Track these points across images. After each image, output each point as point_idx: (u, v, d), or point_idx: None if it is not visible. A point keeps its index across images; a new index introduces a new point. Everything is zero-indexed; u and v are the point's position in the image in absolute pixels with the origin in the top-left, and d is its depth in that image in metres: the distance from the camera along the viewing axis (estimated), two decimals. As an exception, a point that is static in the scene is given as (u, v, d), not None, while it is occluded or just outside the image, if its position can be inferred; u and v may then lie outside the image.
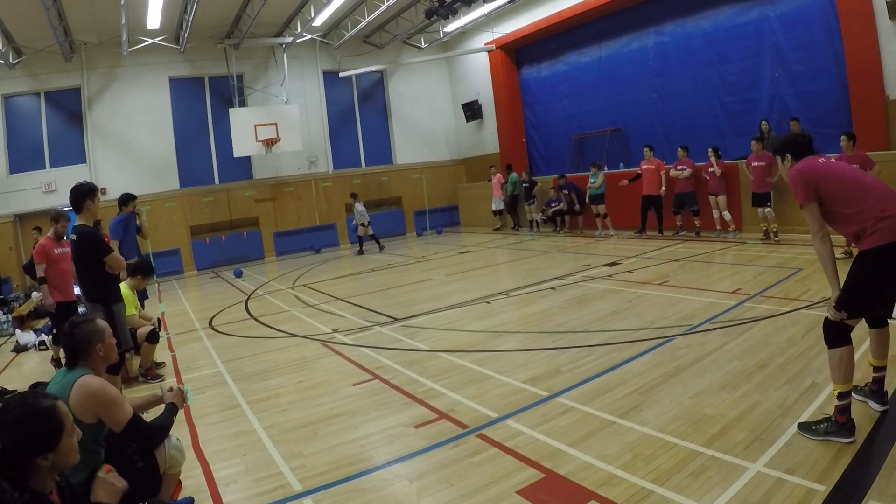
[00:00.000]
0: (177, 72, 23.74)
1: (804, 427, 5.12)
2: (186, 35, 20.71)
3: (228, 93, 24.35)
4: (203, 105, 24.72)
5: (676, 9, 20.23)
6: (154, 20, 19.95)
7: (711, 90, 19.48)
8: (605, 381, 6.86)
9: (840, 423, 4.91)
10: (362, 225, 23.18)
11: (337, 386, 7.74)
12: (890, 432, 5.03)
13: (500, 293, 12.55)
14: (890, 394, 5.55)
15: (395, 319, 11.18)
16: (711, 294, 10.55)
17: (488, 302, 11.88)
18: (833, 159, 5.34)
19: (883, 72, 14.97)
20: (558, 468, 4.97)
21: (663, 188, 18.19)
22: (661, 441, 5.27)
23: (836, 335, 5.00)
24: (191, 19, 18.95)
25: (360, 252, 23.20)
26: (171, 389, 4.68)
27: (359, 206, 23.19)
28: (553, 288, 12.50)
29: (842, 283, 4.96)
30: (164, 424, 4.39)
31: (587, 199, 20.59)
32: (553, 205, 22.35)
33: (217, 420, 7.02)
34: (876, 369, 5.42)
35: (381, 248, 23.45)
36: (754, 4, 18.07)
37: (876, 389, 5.42)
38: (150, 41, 21.94)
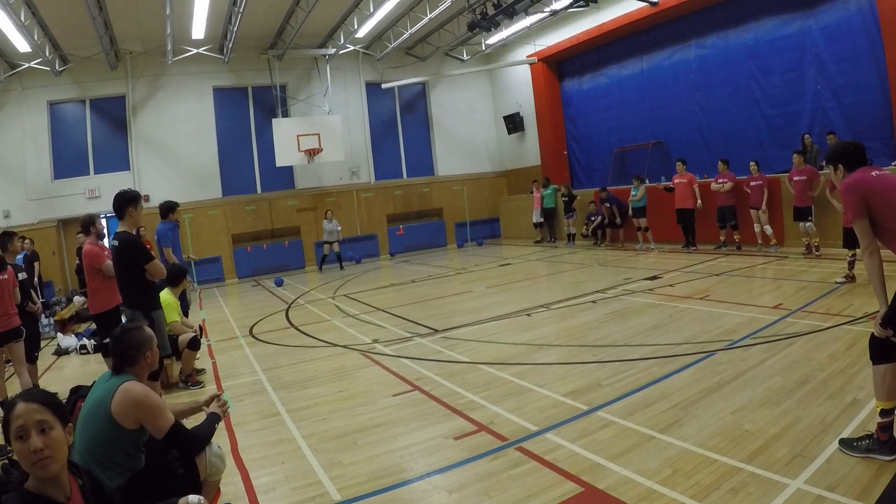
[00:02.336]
0: (220, 81, 24.11)
1: (845, 443, 5.07)
2: (230, 45, 21.06)
3: (271, 103, 24.64)
4: (246, 114, 25.03)
5: (718, 21, 20.18)
6: (199, 30, 20.29)
7: (753, 103, 19.36)
8: (646, 395, 6.83)
9: (882, 441, 4.83)
10: (328, 243, 23.43)
11: (377, 396, 7.75)
12: None
13: (541, 306, 12.51)
14: (868, 408, 5.59)
15: (436, 331, 11.18)
16: (752, 309, 10.45)
17: (529, 314, 11.85)
18: (887, 171, 5.22)
19: None
20: (598, 482, 4.94)
21: (699, 202, 18.12)
22: (701, 457, 5.23)
23: (882, 352, 4.89)
24: (235, 30, 19.26)
25: (324, 268, 23.80)
26: (214, 400, 4.70)
27: (330, 226, 23.37)
28: (594, 301, 12.46)
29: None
30: (206, 433, 4.42)
31: (629, 212, 20.53)
32: (593, 218, 22.36)
33: (257, 428, 7.07)
34: None
35: (342, 268, 23.71)
36: (796, 17, 17.97)
37: (886, 439, 5.17)
38: (195, 51, 22.36)
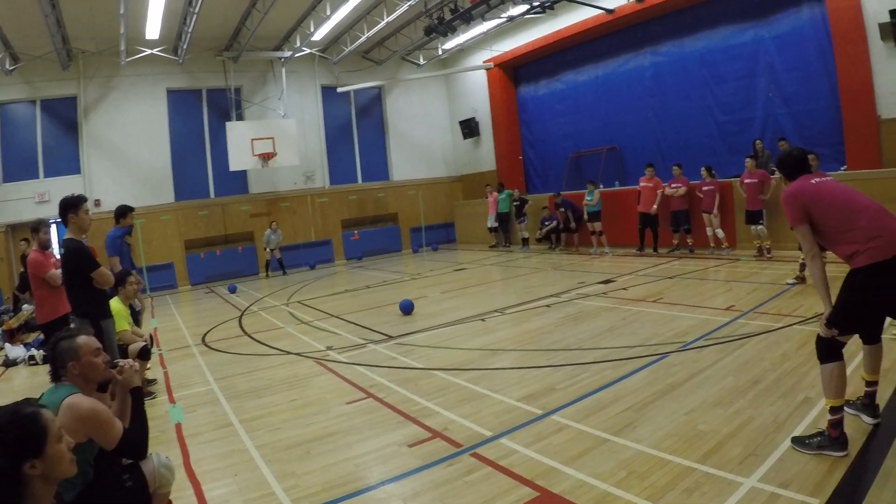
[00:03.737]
0: (174, 83, 23.72)
1: (797, 441, 5.16)
2: (185, 46, 20.74)
3: (226, 106, 24.34)
4: (200, 117, 24.67)
5: (672, 30, 20.51)
6: (153, 30, 19.89)
7: (706, 110, 19.70)
8: (600, 398, 6.83)
9: (833, 437, 4.96)
10: (272, 249, 23.50)
11: (330, 404, 7.67)
12: (882, 445, 5.06)
13: (495, 311, 12.51)
14: (882, 407, 5.60)
15: (390, 337, 11.10)
16: (705, 311, 10.55)
17: (483, 319, 11.82)
18: (829, 177, 5.36)
19: (875, 92, 15.18)
20: (553, 487, 4.94)
21: (655, 206, 18.31)
22: (655, 458, 5.25)
23: (828, 351, 5.07)
24: (190, 31, 19.01)
25: (269, 274, 23.92)
26: (120, 371, 4.44)
27: (274, 236, 23.43)
28: (548, 306, 12.48)
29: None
30: (141, 421, 4.29)
31: (584, 217, 20.65)
32: (547, 223, 22.48)
33: (209, 439, 6.93)
34: (868, 384, 5.50)
35: (285, 273, 23.88)
36: (749, 26, 18.37)
37: (868, 403, 5.50)
38: (149, 51, 21.93)
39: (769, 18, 17.88)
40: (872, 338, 5.41)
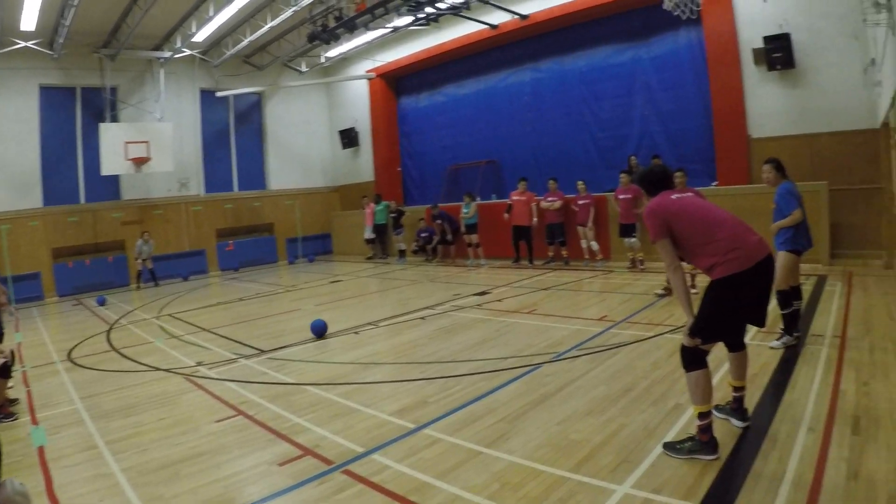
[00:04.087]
0: (48, 79, 22.44)
1: (669, 447, 5.26)
2: (62, 41, 19.82)
3: (101, 106, 23.22)
4: (73, 117, 23.37)
5: (554, 48, 20.98)
6: (29, 21, 18.77)
7: (584, 126, 20.21)
8: (472, 410, 6.79)
9: (703, 442, 5.11)
10: (143, 260, 22.75)
11: (200, 423, 7.36)
12: (752, 448, 5.21)
13: (370, 323, 12.35)
14: (751, 410, 5.80)
15: (262, 351, 10.79)
16: (578, 321, 10.67)
17: (357, 332, 11.63)
18: (689, 194, 5.66)
19: (746, 113, 15.99)
20: (425, 502, 4.86)
21: (535, 219, 18.52)
22: (528, 469, 5.23)
23: (693, 359, 5.23)
24: (68, 24, 18.23)
25: (141, 285, 22.97)
26: None
27: (146, 247, 22.69)
28: (423, 318, 12.42)
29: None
30: None
31: (461, 229, 20.74)
32: (423, 235, 22.47)
33: (74, 462, 6.50)
34: (735, 389, 5.72)
35: (157, 284, 23.10)
36: (629, 47, 19.05)
37: (736, 408, 5.72)
38: (23, 44, 20.73)
39: (649, 40, 18.55)
40: (736, 345, 5.65)
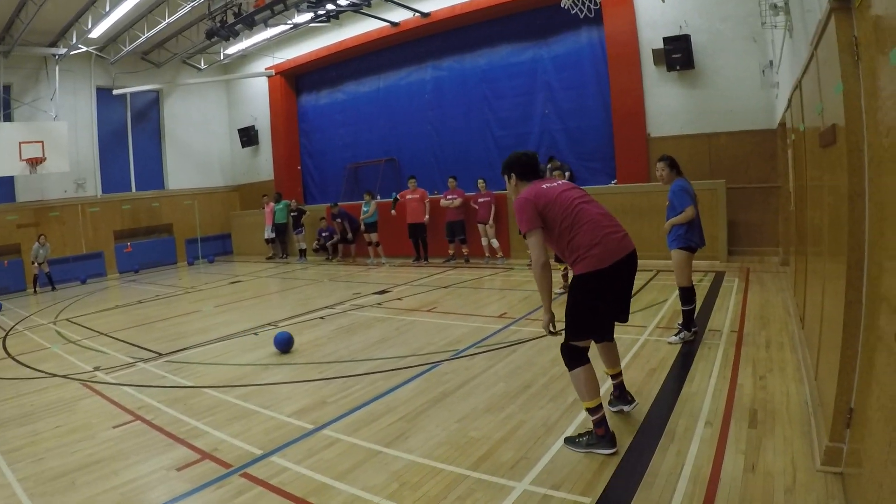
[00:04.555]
0: (-62, 77, 21.56)
1: (569, 441, 5.32)
2: (-48, 37, 19.03)
3: None
4: None
5: (455, 46, 21.05)
6: None
7: (484, 124, 20.33)
8: (372, 410, 6.73)
9: (600, 436, 5.15)
10: (40, 264, 21.95)
11: (96, 429, 7.08)
12: (650, 443, 5.25)
13: (269, 324, 12.18)
14: (649, 405, 5.96)
15: (160, 354, 10.51)
16: (478, 319, 10.69)
17: (256, 333, 11.45)
18: (559, 182, 5.58)
19: (646, 112, 16.27)
20: (325, 503, 4.79)
21: (426, 216, 18.65)
22: (427, 467, 5.20)
23: (574, 357, 5.29)
24: (-42, 19, 17.49)
25: (38, 290, 22.00)
26: None
27: (42, 251, 21.86)
28: (322, 318, 12.31)
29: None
30: None
31: (361, 228, 20.62)
32: (324, 234, 22.27)
33: None
34: (612, 377, 5.93)
35: (54, 288, 22.29)
36: (530, 45, 19.21)
37: (619, 394, 5.93)
38: None
39: (549, 40, 18.74)
40: (604, 339, 5.76)
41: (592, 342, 5.53)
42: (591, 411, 5.18)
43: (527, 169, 5.57)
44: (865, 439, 3.52)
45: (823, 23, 4.53)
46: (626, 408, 5.83)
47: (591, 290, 5.16)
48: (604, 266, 5.06)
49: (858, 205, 3.76)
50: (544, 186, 5.40)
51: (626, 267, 5.24)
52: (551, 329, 5.34)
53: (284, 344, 9.79)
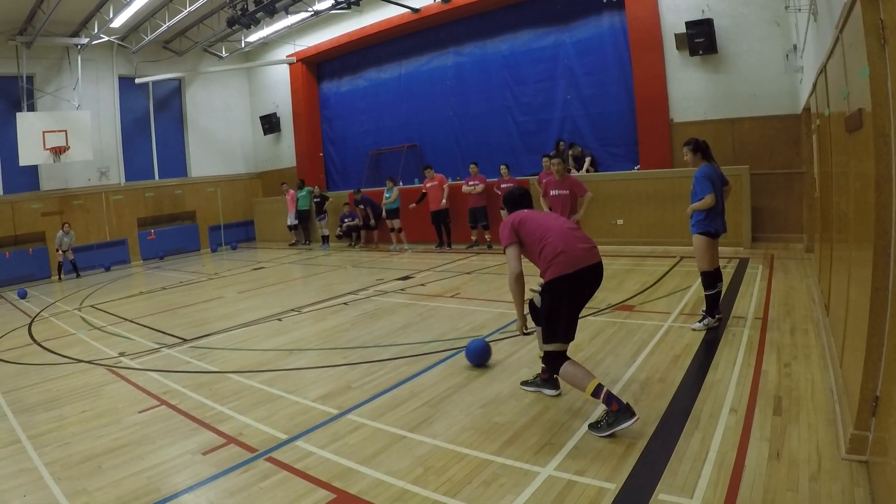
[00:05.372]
0: (-38, 69, 21.71)
1: (592, 427, 5.37)
2: (-25, 29, 19.13)
3: (17, 95, 22.34)
4: None
5: (476, 31, 20.95)
6: None
7: (506, 109, 20.23)
8: (396, 395, 6.75)
9: (616, 411, 5.22)
10: (64, 251, 22.12)
11: (122, 414, 7.15)
12: (675, 429, 5.24)
13: (293, 310, 12.23)
14: (674, 391, 5.97)
15: (185, 340, 10.60)
16: (501, 304, 10.67)
17: (280, 319, 11.52)
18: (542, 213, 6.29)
19: (669, 97, 16.10)
20: (349, 487, 4.80)
21: (444, 201, 18.76)
22: (452, 452, 5.21)
23: (556, 360, 5.67)
24: (-19, 12, 17.58)
25: (62, 277, 22.27)
26: None
27: (67, 239, 22.00)
28: (346, 303, 12.32)
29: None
30: None
31: (383, 214, 20.65)
32: (347, 220, 22.32)
33: None
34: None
35: (79, 275, 22.47)
36: (551, 31, 19.05)
37: (546, 378, 6.38)
38: None
39: (570, 24, 18.60)
40: (570, 340, 5.90)
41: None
42: (595, 394, 5.32)
43: (513, 205, 6.36)
44: (891, 427, 3.50)
45: (849, 6, 4.49)
46: (550, 392, 6.30)
47: (557, 293, 5.60)
48: (565, 273, 5.50)
49: (885, 190, 3.72)
50: (524, 212, 6.10)
51: (588, 276, 5.62)
52: (524, 331, 6.07)
53: (479, 356, 7.54)
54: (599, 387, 5.30)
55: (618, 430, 5.15)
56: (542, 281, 5.76)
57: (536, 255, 5.77)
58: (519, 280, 5.82)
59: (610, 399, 5.22)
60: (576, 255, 5.54)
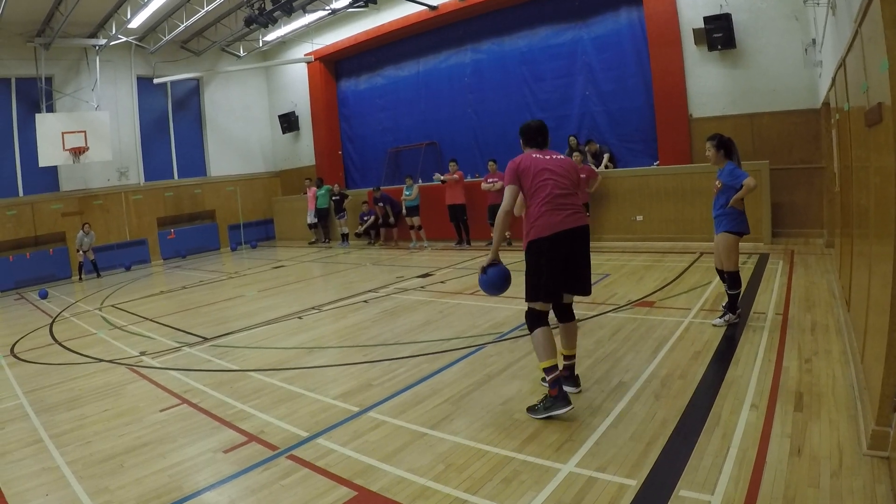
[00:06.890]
0: (-19, 71, 21.87)
1: (530, 410, 5.70)
2: (-6, 31, 19.26)
3: (36, 96, 22.47)
4: (8, 109, 22.48)
5: (494, 28, 20.90)
6: None
7: (524, 106, 20.12)
8: (417, 392, 6.77)
9: (553, 397, 5.54)
10: (85, 251, 22.21)
11: (143, 413, 7.20)
12: (696, 425, 5.22)
13: (313, 308, 12.27)
14: (694, 387, 5.95)
15: (205, 339, 10.65)
16: (521, 301, 10.49)
17: (300, 317, 11.56)
18: (556, 157, 6.15)
19: (687, 92, 16.03)
20: (371, 485, 4.81)
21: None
22: (473, 449, 5.22)
23: (534, 320, 5.85)
24: (0, 13, 17.71)
25: (83, 277, 22.35)
26: None
27: (87, 239, 22.12)
28: (366, 301, 12.35)
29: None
30: None
31: (402, 211, 20.70)
32: (366, 218, 22.40)
33: (18, 458, 6.32)
34: (566, 358, 6.22)
35: (99, 275, 22.58)
36: (569, 27, 18.99)
37: (568, 375, 6.17)
38: None
39: (588, 21, 18.54)
40: (565, 316, 6.20)
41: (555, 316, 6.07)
42: (547, 370, 5.59)
43: (528, 137, 6.29)
44: (912, 423, 3.50)
45: (867, -1, 4.48)
46: (571, 389, 6.07)
47: (534, 254, 5.80)
48: (544, 235, 5.67)
49: (906, 186, 3.72)
50: (533, 156, 5.98)
51: (570, 240, 5.73)
52: (483, 266, 6.17)
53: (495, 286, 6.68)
54: (554, 367, 5.59)
55: (553, 415, 5.50)
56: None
57: (528, 208, 5.89)
58: (506, 217, 5.92)
59: (556, 383, 5.52)
60: (554, 221, 5.69)
